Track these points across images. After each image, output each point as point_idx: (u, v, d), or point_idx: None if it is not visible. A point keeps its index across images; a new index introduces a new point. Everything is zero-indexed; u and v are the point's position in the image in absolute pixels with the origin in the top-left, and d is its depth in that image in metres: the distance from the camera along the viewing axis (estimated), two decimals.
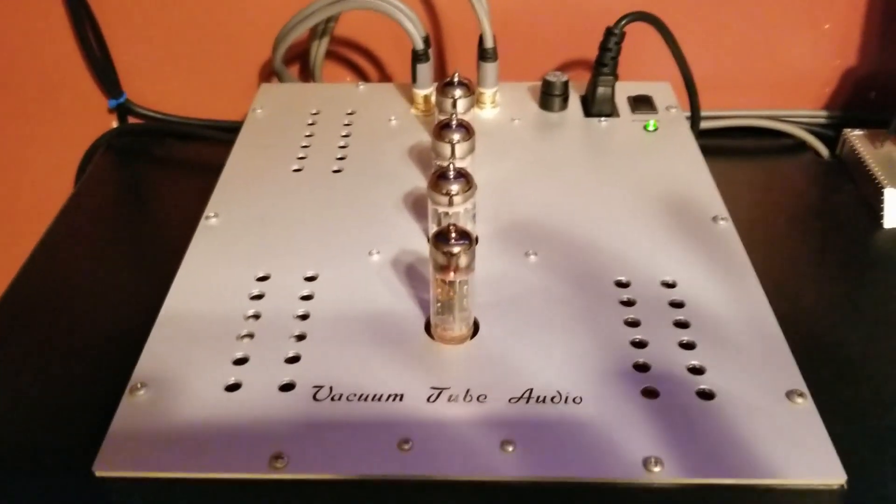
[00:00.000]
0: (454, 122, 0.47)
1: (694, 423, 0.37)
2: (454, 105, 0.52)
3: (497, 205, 0.51)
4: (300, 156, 0.57)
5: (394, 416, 0.37)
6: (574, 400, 0.38)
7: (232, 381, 0.39)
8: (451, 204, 0.43)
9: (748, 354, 0.40)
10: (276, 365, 0.40)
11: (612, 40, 0.59)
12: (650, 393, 0.38)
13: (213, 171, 0.55)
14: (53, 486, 0.37)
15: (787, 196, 0.62)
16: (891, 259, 0.54)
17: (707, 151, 0.57)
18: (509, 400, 0.38)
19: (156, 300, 0.44)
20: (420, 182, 0.53)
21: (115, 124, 0.76)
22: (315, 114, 0.62)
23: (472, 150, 0.47)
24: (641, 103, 0.62)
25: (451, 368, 0.40)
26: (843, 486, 0.35)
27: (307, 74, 0.72)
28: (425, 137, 0.58)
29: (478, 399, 0.38)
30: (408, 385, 0.39)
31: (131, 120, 0.75)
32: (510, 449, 0.36)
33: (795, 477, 0.35)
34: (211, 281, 0.45)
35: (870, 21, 0.69)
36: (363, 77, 0.75)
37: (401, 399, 0.38)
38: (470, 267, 0.39)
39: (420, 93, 0.61)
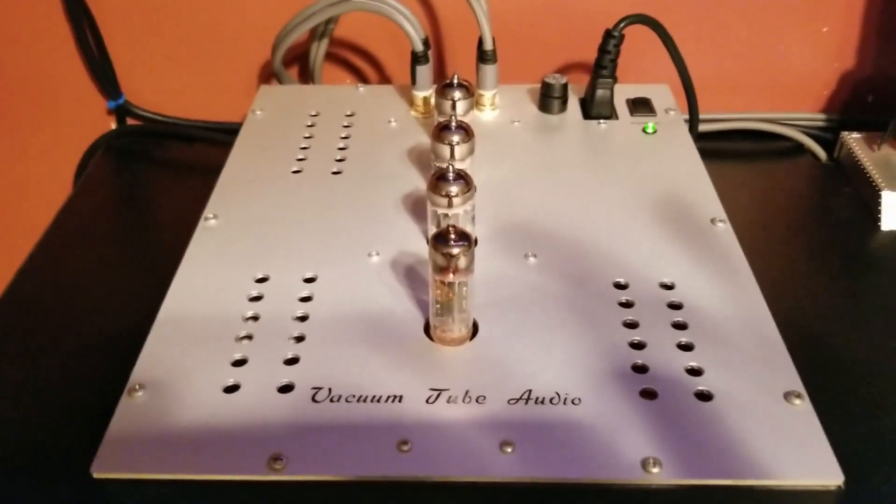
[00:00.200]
0: (453, 124, 0.47)
1: (692, 424, 0.37)
2: (453, 107, 0.52)
3: (496, 206, 0.51)
4: (299, 157, 0.57)
5: (393, 417, 0.37)
6: (573, 401, 0.38)
7: (231, 382, 0.39)
8: (450, 205, 0.43)
9: (746, 356, 0.40)
10: (274, 366, 0.40)
11: (611, 43, 0.59)
12: (648, 394, 0.38)
13: (212, 173, 0.55)
14: (51, 487, 0.37)
15: (785, 199, 0.62)
16: (888, 261, 0.54)
17: (705, 154, 0.57)
18: (508, 401, 0.38)
19: (154, 301, 0.44)
20: (419, 184, 0.53)
21: (113, 126, 0.76)
22: (314, 115, 0.62)
23: (471, 151, 0.48)
24: (640, 106, 0.62)
25: (451, 370, 0.40)
26: (840, 486, 0.35)
27: (307, 76, 0.72)
28: (425, 139, 0.58)
29: (477, 400, 0.38)
30: (407, 386, 0.39)
31: (130, 121, 0.75)
32: (509, 450, 0.36)
33: (793, 478, 0.35)
34: (210, 282, 0.45)
35: (868, 24, 0.69)
36: (363, 79, 0.75)
37: (400, 400, 0.38)
38: (469, 268, 0.39)
39: (419, 95, 0.62)
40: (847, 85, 0.72)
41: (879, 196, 0.58)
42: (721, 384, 0.39)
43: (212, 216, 0.51)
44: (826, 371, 0.44)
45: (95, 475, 0.36)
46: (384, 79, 0.75)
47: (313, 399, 0.38)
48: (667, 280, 0.45)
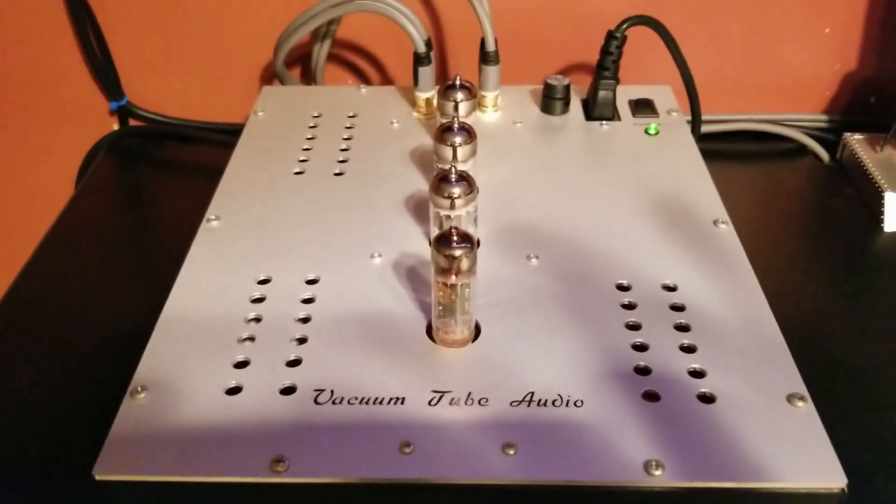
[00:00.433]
0: (456, 126, 0.47)
1: (695, 426, 0.37)
2: (456, 108, 0.52)
3: (499, 208, 0.51)
4: (301, 158, 0.57)
5: (395, 419, 0.37)
6: (575, 403, 0.38)
7: (233, 384, 0.39)
8: (452, 207, 0.43)
9: (749, 358, 0.40)
10: (277, 368, 0.40)
11: (613, 44, 0.59)
12: (651, 396, 0.38)
13: (214, 174, 0.55)
14: (53, 489, 0.37)
15: (788, 200, 0.62)
16: (891, 262, 0.54)
17: (708, 155, 0.57)
18: (510, 403, 0.38)
19: (157, 303, 0.44)
20: (422, 185, 0.53)
21: (116, 127, 0.76)
22: (317, 116, 0.62)
23: (473, 153, 0.48)
24: (642, 107, 0.62)
25: (453, 371, 0.40)
26: (843, 489, 0.35)
27: (309, 77, 0.72)
28: (427, 140, 0.58)
29: (479, 402, 0.38)
30: (409, 388, 0.39)
31: (132, 122, 0.75)
32: (511, 452, 0.36)
33: (796, 481, 0.35)
34: (212, 284, 0.45)
35: (870, 25, 0.69)
36: (365, 80, 0.75)
37: (402, 402, 0.38)
38: (471, 270, 0.39)
39: (422, 96, 0.62)
40: (849, 86, 0.72)
41: (882, 197, 0.58)
42: (724, 386, 0.39)
43: (214, 217, 0.51)
44: (829, 373, 0.44)
45: (97, 477, 0.36)
46: (386, 80, 0.75)
47: (315, 401, 0.38)
48: (669, 282, 0.45)
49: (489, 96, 0.62)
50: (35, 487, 0.37)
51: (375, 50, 0.73)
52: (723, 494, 0.35)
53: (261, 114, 0.63)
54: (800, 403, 0.37)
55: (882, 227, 0.57)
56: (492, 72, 0.61)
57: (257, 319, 0.43)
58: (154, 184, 0.69)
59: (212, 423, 0.37)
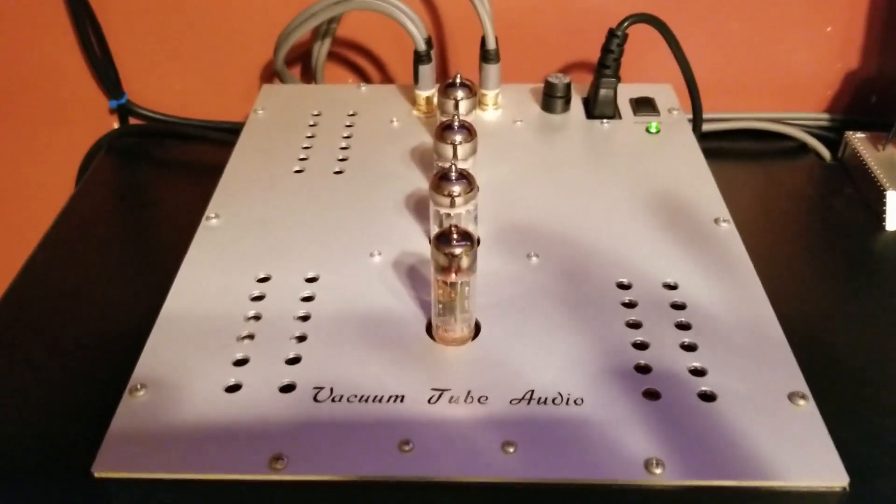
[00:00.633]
0: (456, 124, 0.47)
1: (695, 424, 0.37)
2: (456, 106, 0.52)
3: (499, 206, 0.51)
4: (301, 157, 0.57)
5: (395, 417, 0.37)
6: (575, 401, 0.38)
7: (232, 381, 0.39)
8: (452, 205, 0.43)
9: (750, 356, 0.40)
10: (276, 366, 0.40)
11: (614, 42, 0.59)
12: (652, 394, 0.38)
13: (214, 172, 0.55)
14: (52, 487, 0.37)
15: (789, 198, 0.62)
16: (892, 261, 0.54)
17: (709, 154, 0.57)
18: (510, 401, 0.38)
19: (156, 301, 0.44)
20: (422, 183, 0.53)
21: (116, 125, 0.76)
22: (317, 115, 0.62)
23: (473, 151, 0.47)
24: (643, 105, 0.62)
25: (453, 370, 0.40)
26: (845, 488, 0.35)
27: (309, 75, 0.72)
28: (427, 139, 0.58)
29: (479, 400, 0.38)
30: (409, 386, 0.39)
31: (132, 121, 0.75)
32: (511, 450, 0.36)
33: (797, 479, 0.34)
34: (211, 282, 0.45)
35: (871, 24, 0.69)
36: (365, 78, 0.75)
37: (402, 400, 0.38)
38: (471, 268, 0.39)
39: (422, 94, 0.61)
40: (851, 85, 0.72)
41: (884, 196, 0.57)
42: (724, 385, 0.38)
43: (214, 216, 0.51)
44: (830, 371, 0.44)
45: (96, 474, 0.36)
46: (386, 78, 0.74)
47: (315, 399, 0.38)
48: (670, 280, 0.45)
49: (490, 95, 0.62)
50: (34, 486, 0.37)
51: (376, 48, 0.73)
52: (723, 493, 0.35)
53: (261, 112, 0.63)
54: (801, 402, 0.37)
55: (884, 226, 0.57)
56: (492, 70, 0.61)
57: (257, 317, 0.43)
58: (154, 182, 0.69)
59: (211, 420, 0.37)
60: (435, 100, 0.61)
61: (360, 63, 0.74)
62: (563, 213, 0.51)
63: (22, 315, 0.50)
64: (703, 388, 0.38)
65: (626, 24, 0.59)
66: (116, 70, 0.73)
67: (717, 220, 0.49)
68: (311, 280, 0.45)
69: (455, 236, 0.38)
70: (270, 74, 0.73)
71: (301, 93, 0.66)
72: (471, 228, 0.42)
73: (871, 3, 0.68)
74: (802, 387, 0.38)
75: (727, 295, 0.44)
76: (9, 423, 0.41)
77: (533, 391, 0.38)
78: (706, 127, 0.64)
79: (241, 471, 0.35)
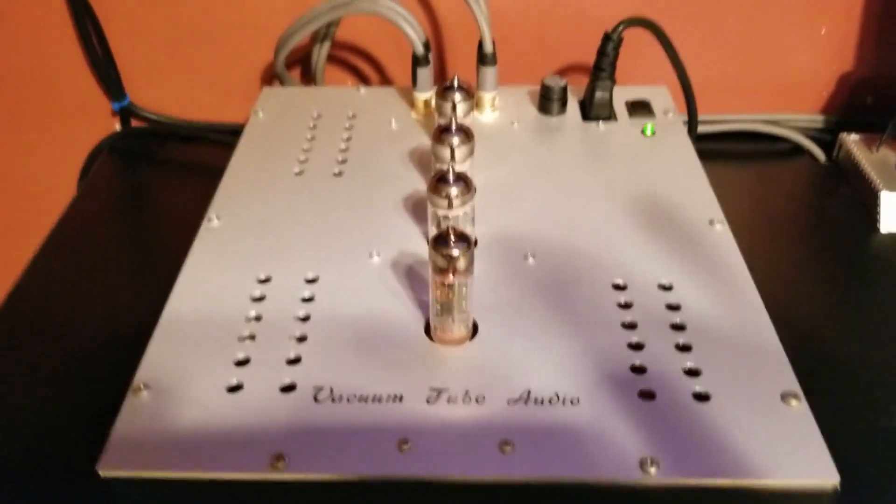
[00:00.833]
0: (454, 126, 0.47)
1: (690, 424, 0.37)
2: (454, 109, 0.52)
3: (496, 207, 0.52)
4: (301, 158, 0.57)
5: (393, 416, 0.38)
6: (571, 401, 0.38)
7: (234, 382, 0.40)
8: (450, 207, 0.43)
9: (743, 357, 0.41)
10: (277, 366, 0.41)
11: (609, 45, 0.60)
12: (647, 394, 0.39)
13: (215, 174, 0.56)
14: (58, 486, 0.38)
15: (784, 199, 0.63)
16: (887, 262, 0.54)
17: (705, 155, 0.57)
18: (508, 401, 0.38)
19: (158, 301, 0.45)
20: (420, 185, 0.54)
21: (118, 127, 0.76)
22: (316, 117, 0.63)
23: (471, 153, 0.48)
24: (639, 107, 0.63)
25: (450, 370, 0.40)
26: (836, 487, 0.35)
27: (309, 78, 0.73)
28: (425, 141, 0.59)
29: (476, 400, 0.38)
30: (407, 386, 0.39)
31: (134, 123, 0.76)
32: (508, 449, 0.36)
33: (789, 478, 0.35)
34: (213, 282, 0.46)
35: (866, 26, 0.69)
36: (364, 81, 0.75)
37: (400, 400, 0.39)
38: (469, 269, 0.39)
39: (420, 97, 0.62)
40: (846, 86, 0.72)
41: (878, 197, 0.58)
42: (718, 385, 0.39)
43: (215, 217, 0.51)
44: (824, 372, 0.44)
45: (102, 474, 0.36)
46: (385, 81, 0.75)
47: (315, 399, 0.39)
48: (665, 281, 0.45)
49: (487, 97, 0.62)
50: (41, 484, 0.38)
51: (374, 51, 0.74)
52: (717, 491, 0.35)
53: (261, 114, 0.63)
54: (793, 402, 0.38)
55: (878, 227, 0.57)
56: (489, 73, 0.61)
57: (258, 318, 0.43)
58: (156, 183, 0.69)
59: (213, 420, 0.38)
60: (433, 102, 0.61)
61: (360, 66, 0.74)
62: (559, 214, 0.51)
63: (25, 316, 0.50)
64: (698, 389, 0.39)
65: (620, 27, 0.59)
66: (118, 72, 0.74)
67: (711, 222, 0.50)
68: (311, 281, 0.46)
69: (453, 238, 0.38)
70: (271, 77, 0.74)
71: (301, 95, 0.67)
72: (468, 230, 0.43)
73: (866, 5, 0.68)
74: (795, 387, 0.39)
75: (721, 296, 0.44)
76: (12, 424, 0.42)
77: (530, 391, 0.39)
78: (702, 128, 0.65)
79: (243, 470, 0.36)
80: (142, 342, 0.42)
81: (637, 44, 0.60)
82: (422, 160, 0.57)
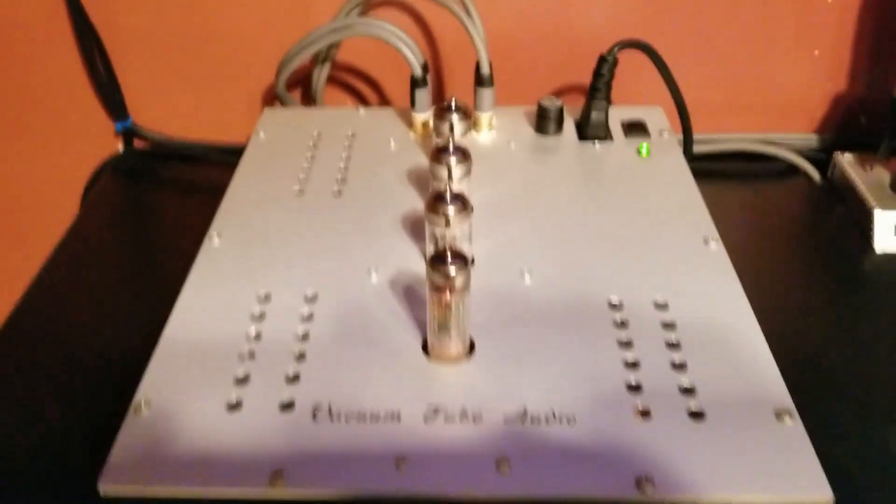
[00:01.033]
0: (451, 146, 0.48)
1: (685, 442, 0.37)
2: (451, 129, 0.53)
3: (493, 226, 0.52)
4: (302, 178, 0.58)
5: (391, 435, 0.38)
6: (568, 419, 0.39)
7: (233, 400, 0.40)
8: (447, 225, 0.44)
9: (738, 375, 0.41)
10: (276, 384, 0.41)
11: (604, 66, 0.60)
12: (642, 412, 0.39)
13: (216, 193, 0.56)
14: (59, 503, 0.38)
15: (779, 218, 0.63)
16: (881, 281, 0.55)
17: (700, 174, 0.58)
18: (504, 419, 0.39)
19: (160, 319, 0.45)
20: (418, 204, 0.54)
21: (121, 147, 0.77)
22: (316, 137, 0.63)
23: (468, 172, 0.48)
24: (634, 128, 0.63)
25: (448, 387, 0.41)
26: (830, 503, 0.36)
27: (309, 99, 0.73)
28: (424, 160, 0.59)
29: (473, 418, 0.39)
30: (405, 404, 0.40)
31: (137, 143, 0.76)
32: (505, 468, 0.36)
33: (783, 495, 0.35)
34: (214, 301, 0.46)
35: (858, 47, 0.70)
36: (364, 102, 0.76)
37: (398, 418, 0.39)
38: (466, 287, 0.40)
39: (419, 117, 0.63)
40: (839, 106, 0.73)
41: (872, 216, 0.58)
42: (713, 403, 0.39)
43: (216, 235, 0.52)
44: (817, 389, 0.44)
45: (102, 491, 0.36)
46: (384, 101, 0.76)
47: (314, 416, 0.39)
48: (660, 299, 0.46)
49: (484, 117, 0.63)
50: (42, 502, 0.38)
51: (374, 73, 0.74)
52: None
53: (262, 134, 0.64)
54: (787, 419, 0.38)
55: (872, 246, 0.58)
56: (486, 93, 0.62)
57: (257, 336, 0.44)
58: (158, 202, 0.70)
59: (213, 437, 0.38)
60: (431, 123, 0.62)
61: (359, 87, 0.75)
62: (555, 233, 0.52)
63: (29, 333, 0.51)
64: (693, 407, 0.39)
65: (616, 49, 0.60)
66: (122, 93, 0.74)
67: (706, 241, 0.50)
68: (310, 299, 0.46)
69: (450, 256, 0.39)
70: (272, 98, 0.74)
71: (301, 116, 0.67)
72: (465, 248, 0.43)
73: (858, 27, 0.69)
74: (788, 404, 0.39)
75: (716, 314, 0.45)
76: (13, 440, 0.42)
77: (526, 409, 0.39)
78: (697, 148, 0.65)
79: (242, 487, 0.36)
80: (143, 360, 0.42)
81: (632, 65, 0.61)
82: (420, 180, 0.57)
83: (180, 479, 0.36)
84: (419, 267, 0.48)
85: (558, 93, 0.73)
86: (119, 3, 0.71)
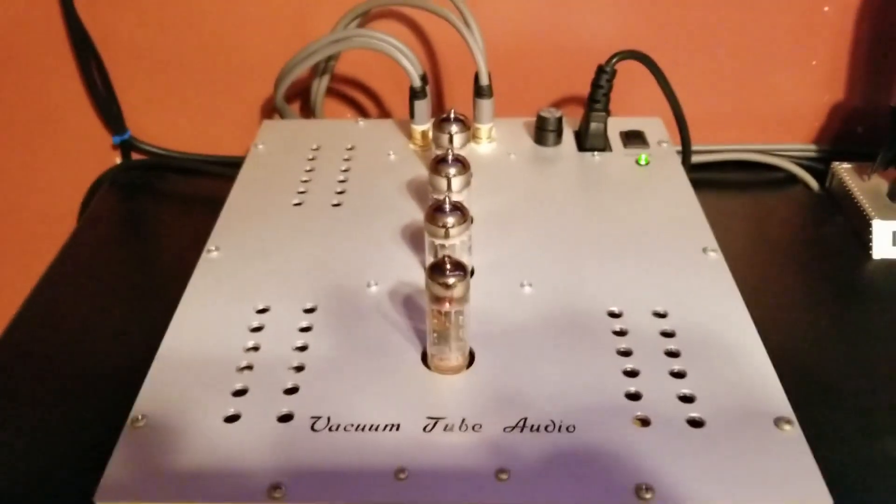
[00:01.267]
0: (450, 157, 0.48)
1: (684, 450, 0.37)
2: (450, 140, 0.53)
3: (492, 237, 0.52)
4: (301, 190, 0.58)
5: (390, 445, 0.38)
6: (567, 428, 0.39)
7: (231, 412, 0.40)
8: (446, 236, 0.44)
9: (737, 383, 0.41)
10: (274, 396, 0.41)
11: (603, 78, 0.61)
12: (642, 421, 0.39)
13: (214, 206, 0.56)
14: None
15: (778, 227, 0.63)
16: (879, 289, 0.55)
17: (700, 184, 0.58)
18: (504, 429, 0.39)
19: (158, 332, 0.45)
20: (417, 215, 0.54)
21: (118, 160, 0.77)
22: (316, 149, 0.63)
23: (467, 183, 0.49)
24: (633, 138, 0.63)
25: (447, 398, 0.40)
26: None
27: (308, 111, 0.74)
28: (423, 172, 0.59)
29: (473, 428, 0.39)
30: (404, 415, 0.39)
31: (135, 156, 0.77)
32: (504, 477, 0.36)
33: (783, 501, 0.35)
34: (212, 313, 0.46)
35: (855, 58, 0.71)
36: (363, 113, 0.76)
37: (397, 429, 0.39)
38: (465, 298, 0.40)
39: (418, 128, 0.63)
40: (837, 116, 0.73)
41: (870, 224, 0.59)
42: (712, 411, 0.39)
43: (214, 248, 0.52)
44: (816, 397, 0.44)
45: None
46: (384, 113, 0.76)
47: (312, 428, 0.39)
48: (659, 308, 0.46)
49: (483, 128, 0.63)
50: None
51: (373, 84, 0.75)
52: None
53: (261, 147, 0.64)
54: (787, 427, 0.38)
55: (870, 254, 0.58)
56: (486, 105, 0.62)
57: (255, 348, 0.44)
58: (156, 216, 0.70)
59: (211, 450, 0.38)
60: (430, 134, 0.62)
61: (358, 99, 0.76)
62: (555, 243, 0.52)
63: (26, 346, 0.51)
64: (692, 415, 0.39)
65: (614, 60, 0.60)
66: (119, 106, 0.75)
67: (705, 250, 0.50)
68: (309, 311, 0.46)
69: (449, 267, 0.39)
70: (271, 110, 0.75)
71: (300, 128, 0.67)
72: (465, 259, 0.43)
73: (855, 38, 0.70)
74: (788, 412, 0.39)
75: (715, 323, 0.45)
76: (11, 454, 0.42)
77: (526, 419, 0.39)
78: (695, 158, 0.66)
79: (241, 499, 0.36)
80: (140, 373, 0.42)
81: (631, 76, 0.61)
82: (419, 191, 0.57)
83: (177, 493, 0.36)
84: (419, 278, 0.48)
85: (557, 104, 0.74)
86: (117, 17, 0.71)
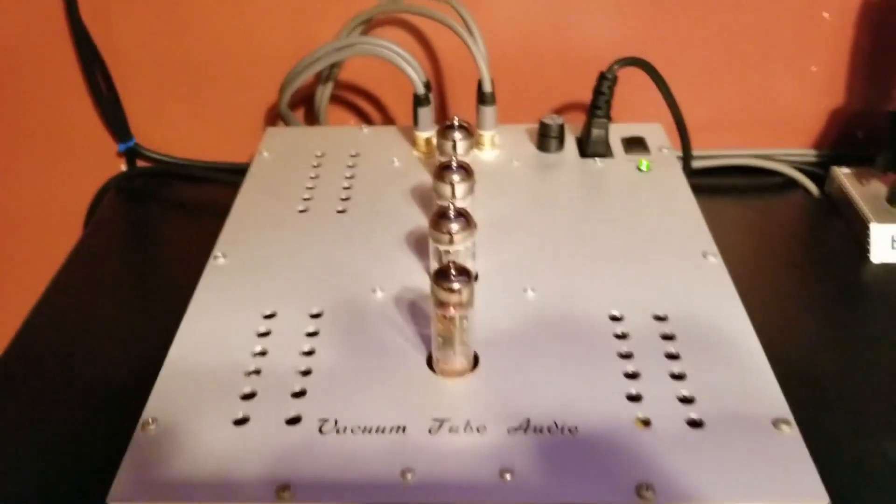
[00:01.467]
0: (454, 164, 0.48)
1: (684, 450, 0.38)
2: (454, 147, 0.53)
3: (496, 243, 0.53)
4: (306, 197, 0.59)
5: (396, 447, 0.38)
6: (570, 430, 0.39)
7: (240, 415, 0.40)
8: (451, 242, 0.44)
9: (736, 385, 0.41)
10: (283, 399, 0.41)
11: (605, 84, 0.61)
12: (643, 422, 0.39)
13: (220, 213, 0.57)
14: None
15: (778, 232, 0.64)
16: (877, 293, 0.56)
17: (700, 190, 0.58)
18: (508, 430, 0.39)
19: (166, 338, 0.45)
20: (422, 221, 0.55)
21: (124, 168, 0.77)
22: (320, 156, 0.64)
23: (471, 190, 0.49)
24: (634, 144, 0.64)
25: (452, 401, 0.41)
26: None
27: (312, 118, 0.74)
28: (427, 178, 0.60)
29: (477, 430, 0.39)
30: (410, 417, 0.40)
31: (140, 163, 0.77)
32: (508, 477, 0.37)
33: (782, 502, 0.36)
34: (219, 319, 0.47)
35: (854, 63, 0.71)
36: (367, 120, 0.77)
37: (403, 431, 0.39)
38: (470, 303, 0.40)
39: (421, 135, 0.63)
40: (836, 121, 0.74)
41: (869, 228, 0.59)
42: (712, 412, 0.40)
43: (221, 255, 0.52)
44: (814, 399, 0.45)
45: None
46: (387, 120, 0.76)
47: (320, 430, 0.40)
48: (660, 312, 0.46)
49: (486, 135, 0.64)
50: None
51: (377, 91, 0.75)
52: None
53: (266, 154, 0.64)
54: (785, 428, 0.39)
55: (869, 258, 0.59)
56: (489, 112, 0.63)
57: (263, 353, 0.44)
58: (162, 223, 0.70)
59: (220, 452, 0.38)
60: (434, 141, 0.63)
61: (362, 106, 0.76)
62: (557, 248, 0.52)
63: (35, 352, 0.51)
64: (692, 416, 0.40)
65: (615, 67, 0.61)
66: (125, 114, 0.75)
67: (705, 254, 0.51)
68: (315, 316, 0.47)
69: (454, 272, 0.39)
70: (275, 117, 0.75)
71: (305, 135, 0.68)
72: (469, 264, 0.44)
73: (854, 44, 0.70)
74: (786, 413, 0.39)
75: (714, 326, 0.45)
76: (23, 459, 0.43)
77: (529, 420, 0.40)
78: (696, 164, 0.66)
79: (250, 500, 0.36)
80: (149, 379, 0.43)
81: (632, 83, 0.62)
82: (423, 197, 0.58)
83: (188, 494, 0.37)
84: (423, 283, 0.49)
85: (560, 111, 0.74)
86: (122, 25, 0.72)
